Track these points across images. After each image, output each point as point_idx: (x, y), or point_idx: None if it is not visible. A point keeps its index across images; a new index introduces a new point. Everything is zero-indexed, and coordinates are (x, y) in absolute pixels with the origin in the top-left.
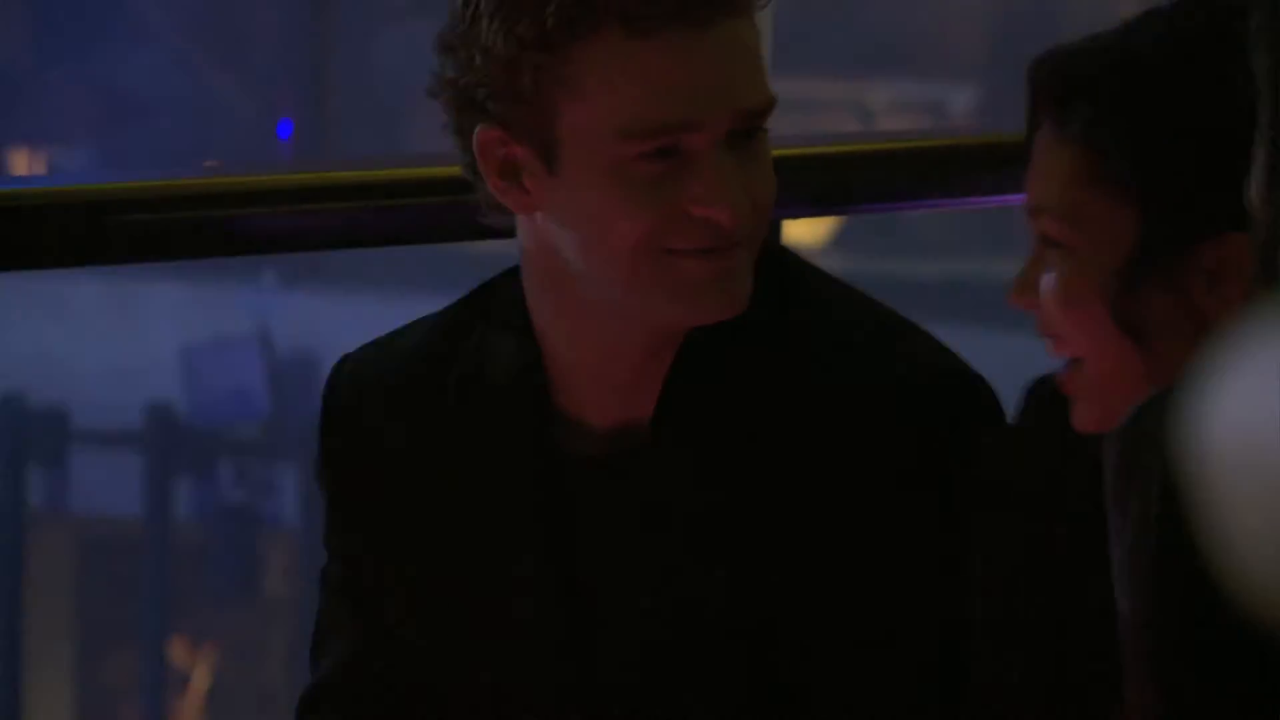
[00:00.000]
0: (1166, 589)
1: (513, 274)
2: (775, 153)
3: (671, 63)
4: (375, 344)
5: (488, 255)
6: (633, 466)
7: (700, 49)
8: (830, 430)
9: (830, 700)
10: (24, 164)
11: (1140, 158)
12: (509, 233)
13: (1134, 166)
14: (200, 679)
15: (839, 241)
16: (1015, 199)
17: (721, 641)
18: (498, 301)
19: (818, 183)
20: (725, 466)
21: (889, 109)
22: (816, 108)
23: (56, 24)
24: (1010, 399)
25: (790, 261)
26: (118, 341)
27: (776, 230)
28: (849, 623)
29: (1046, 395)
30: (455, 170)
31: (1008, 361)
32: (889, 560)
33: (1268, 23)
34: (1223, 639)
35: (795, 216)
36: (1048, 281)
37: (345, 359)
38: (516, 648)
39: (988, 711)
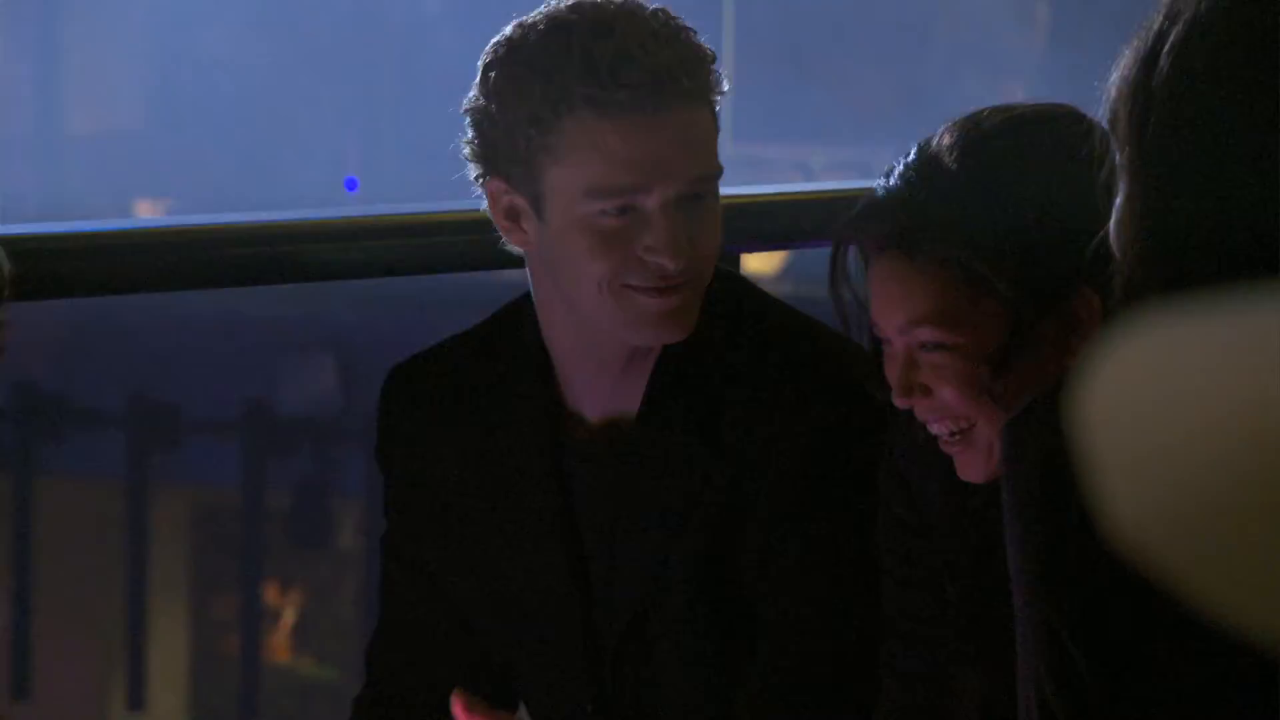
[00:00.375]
0: (1056, 550)
1: (530, 296)
2: (737, 200)
3: (629, 140)
4: (422, 354)
5: (515, 282)
6: (624, 453)
7: (653, 130)
8: (773, 417)
9: (781, 637)
10: (148, 211)
11: (991, 261)
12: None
13: (990, 269)
14: (288, 616)
15: (787, 271)
16: None
17: (694, 592)
18: (519, 318)
19: (770, 224)
20: (697, 451)
21: (827, 168)
22: (770, 166)
23: (169, 97)
24: None
25: (746, 287)
26: (222, 348)
27: (736, 261)
28: (797, 575)
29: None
30: (484, 214)
31: None
32: (826, 525)
33: (1134, 73)
34: (1111, 599)
35: (752, 250)
36: (939, 378)
37: (398, 366)
38: (530, 599)
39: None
